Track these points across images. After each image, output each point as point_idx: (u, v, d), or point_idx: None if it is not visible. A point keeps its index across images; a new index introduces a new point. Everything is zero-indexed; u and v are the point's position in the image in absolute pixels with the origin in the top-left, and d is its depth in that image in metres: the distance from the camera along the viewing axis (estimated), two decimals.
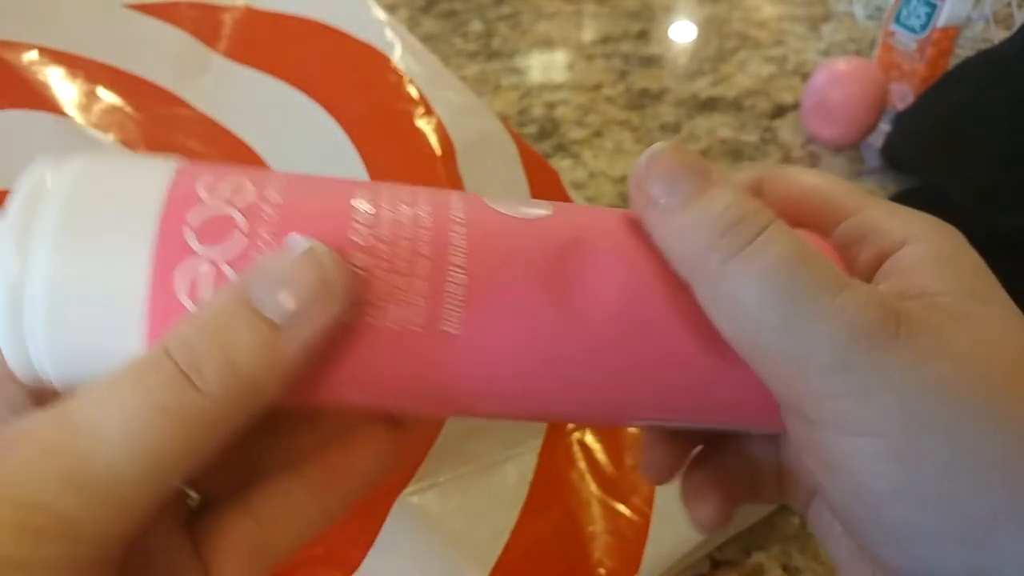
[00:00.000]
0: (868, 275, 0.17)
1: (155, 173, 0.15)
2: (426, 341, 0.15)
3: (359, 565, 0.29)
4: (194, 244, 0.14)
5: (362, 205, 0.15)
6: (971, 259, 0.16)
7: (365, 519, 0.30)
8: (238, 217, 0.14)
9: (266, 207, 0.15)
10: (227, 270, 0.14)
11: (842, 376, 0.14)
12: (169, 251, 0.14)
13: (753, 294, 0.14)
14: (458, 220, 0.16)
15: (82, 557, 0.13)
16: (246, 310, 0.13)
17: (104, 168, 0.15)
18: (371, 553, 0.29)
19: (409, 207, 0.16)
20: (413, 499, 0.31)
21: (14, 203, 0.14)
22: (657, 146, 0.16)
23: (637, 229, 0.17)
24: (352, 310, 0.14)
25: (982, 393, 0.14)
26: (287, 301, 0.13)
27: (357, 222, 0.15)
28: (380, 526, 0.30)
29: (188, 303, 0.14)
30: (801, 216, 0.18)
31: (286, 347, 0.14)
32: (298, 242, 0.14)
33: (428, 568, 0.29)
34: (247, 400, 0.13)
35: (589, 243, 0.16)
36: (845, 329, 0.14)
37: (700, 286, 0.15)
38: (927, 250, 0.16)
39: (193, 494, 0.18)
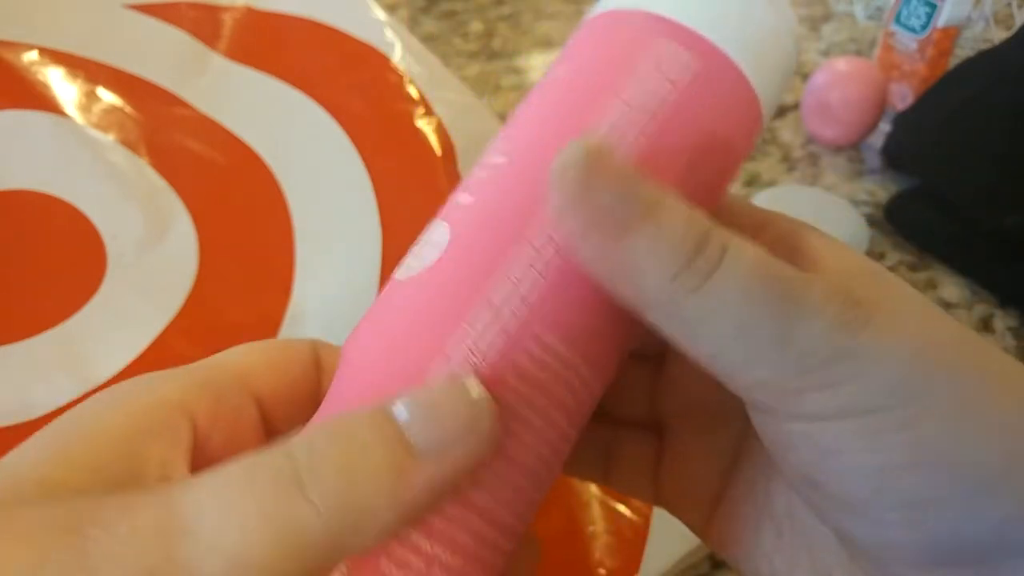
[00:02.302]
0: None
1: None
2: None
3: None
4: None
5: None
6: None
7: None
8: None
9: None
10: None
11: (837, 367, 0.14)
12: None
13: (735, 316, 0.14)
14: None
15: None
16: (386, 425, 0.13)
17: None
18: None
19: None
20: None
21: None
22: (590, 144, 0.14)
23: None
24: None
25: (954, 352, 0.14)
26: (432, 429, 0.13)
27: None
28: None
29: None
30: None
31: (415, 478, 0.12)
32: (456, 374, 0.14)
33: None
34: (353, 527, 0.12)
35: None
36: (831, 323, 0.14)
37: (665, 314, 0.14)
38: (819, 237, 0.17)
39: None
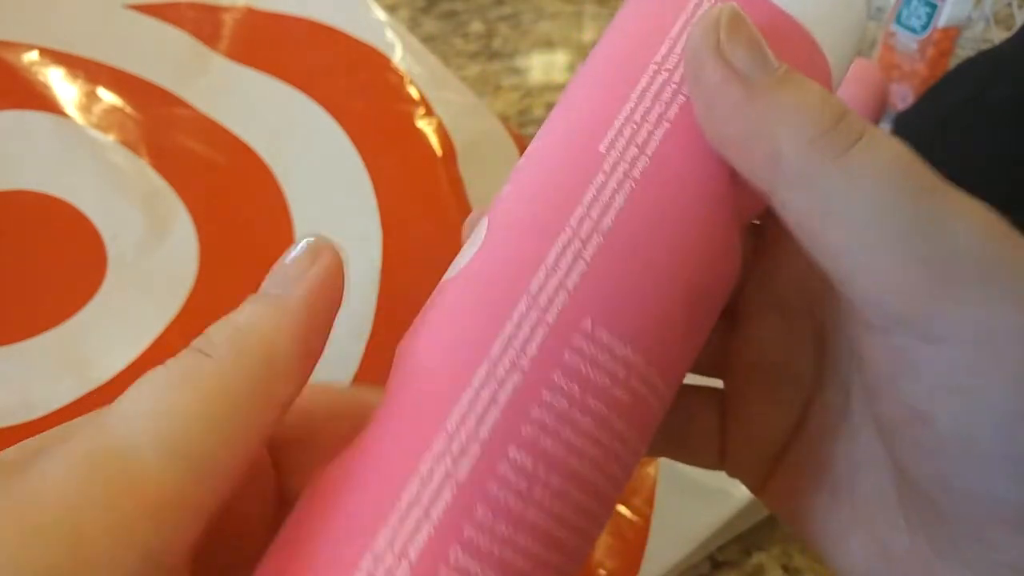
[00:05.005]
0: None
1: None
2: None
3: None
4: None
5: None
6: None
7: None
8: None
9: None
10: None
11: (989, 281, 0.12)
12: None
13: (876, 193, 0.13)
14: None
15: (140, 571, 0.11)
16: (254, 295, 0.14)
17: None
18: None
19: None
20: None
21: None
22: (729, 8, 0.14)
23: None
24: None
25: None
26: (291, 282, 0.14)
27: None
28: None
29: None
30: None
31: (289, 302, 0.14)
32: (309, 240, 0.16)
33: None
34: (260, 364, 0.13)
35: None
36: (986, 230, 0.12)
37: (799, 185, 0.13)
38: None
39: None
